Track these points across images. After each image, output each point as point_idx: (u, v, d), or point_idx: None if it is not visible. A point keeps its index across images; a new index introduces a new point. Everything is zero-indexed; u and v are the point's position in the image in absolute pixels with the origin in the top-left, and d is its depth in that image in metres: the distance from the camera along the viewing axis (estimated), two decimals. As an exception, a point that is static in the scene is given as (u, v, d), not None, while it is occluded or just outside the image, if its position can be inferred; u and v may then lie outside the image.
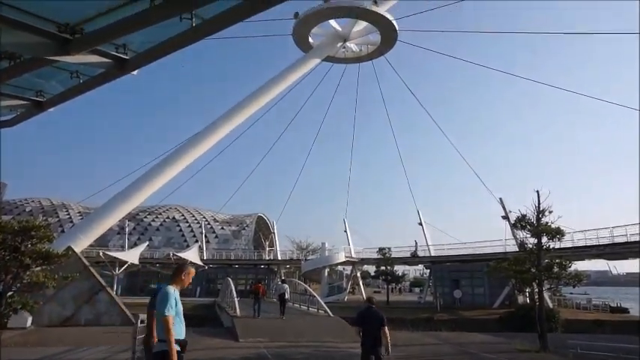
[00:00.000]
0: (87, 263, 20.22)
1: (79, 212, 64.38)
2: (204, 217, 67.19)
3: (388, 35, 33.70)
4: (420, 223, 48.93)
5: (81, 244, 20.75)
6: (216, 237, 65.04)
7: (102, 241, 49.08)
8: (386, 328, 7.54)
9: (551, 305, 31.98)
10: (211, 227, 65.97)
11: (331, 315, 21.12)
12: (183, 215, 67.65)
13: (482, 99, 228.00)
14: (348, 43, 36.30)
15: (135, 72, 7.29)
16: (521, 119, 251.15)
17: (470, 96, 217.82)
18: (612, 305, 42.13)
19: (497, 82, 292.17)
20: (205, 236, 61.29)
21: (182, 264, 5.00)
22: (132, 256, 45.79)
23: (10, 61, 6.39)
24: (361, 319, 7.85)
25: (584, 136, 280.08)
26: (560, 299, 38.02)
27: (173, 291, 4.50)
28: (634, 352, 7.00)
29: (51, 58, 6.03)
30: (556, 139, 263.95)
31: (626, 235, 31.51)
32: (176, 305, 4.44)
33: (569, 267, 15.49)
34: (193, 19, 5.77)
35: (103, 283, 20.09)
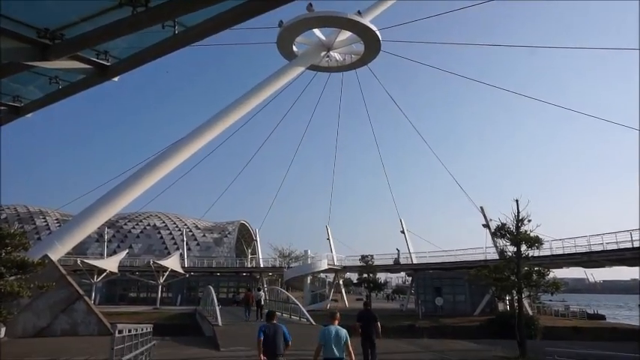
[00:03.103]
0: (64, 272, 19.74)
1: (57, 219, 62.93)
2: (185, 224, 66.39)
3: (372, 45, 34.03)
4: (403, 231, 49.22)
5: (58, 252, 20.24)
6: (198, 244, 64.27)
7: (80, 249, 48.02)
8: (378, 323, 11.09)
9: (530, 312, 32.38)
10: (193, 234, 65.18)
11: (314, 323, 21.02)
12: (164, 222, 66.72)
13: (467, 109, 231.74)
14: (332, 52, 36.53)
15: (116, 78, 7.22)
16: (501, 128, 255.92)
17: (455, 105, 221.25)
18: (589, 312, 42.96)
19: (483, 93, 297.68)
20: (187, 243, 60.49)
21: (336, 312, 7.86)
22: (111, 264, 44.84)
23: (-13, 66, 6.26)
24: (361, 317, 11.21)
25: (565, 146, 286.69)
26: (539, 306, 38.54)
27: (334, 327, 7.27)
28: (608, 359, 7.19)
29: (29, 63, 5.94)
30: (537, 149, 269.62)
31: (603, 243, 32.23)
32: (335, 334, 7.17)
33: (548, 275, 15.76)
34: (176, 27, 5.75)
35: (81, 292, 19.62)
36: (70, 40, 5.61)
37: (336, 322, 7.48)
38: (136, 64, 6.80)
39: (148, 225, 65.56)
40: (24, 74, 6.73)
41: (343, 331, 7.23)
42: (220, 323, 19.90)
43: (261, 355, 7.22)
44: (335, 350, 7.06)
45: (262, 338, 7.24)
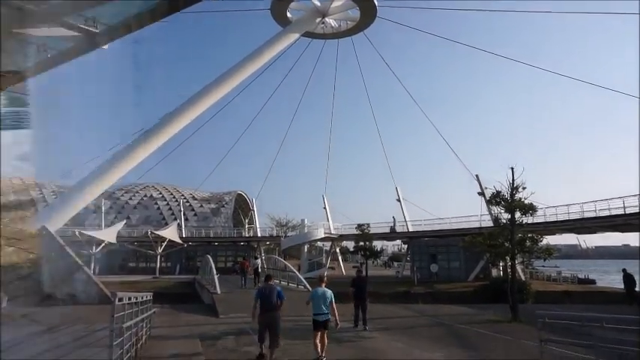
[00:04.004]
0: (62, 242, 19.90)
1: (53, 191, 62.81)
2: (182, 195, 66.49)
3: (367, 11, 33.32)
4: (399, 200, 49.57)
5: (55, 224, 20.36)
6: (195, 215, 64.59)
7: (78, 220, 48.06)
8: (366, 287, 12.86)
9: (523, 278, 33.06)
10: (190, 205, 65.40)
11: (311, 290, 21.41)
12: (161, 193, 66.76)
13: (462, 75, 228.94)
14: (327, 19, 35.75)
15: (106, 46, 7.06)
16: (498, 95, 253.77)
17: (450, 72, 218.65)
18: (581, 277, 43.99)
19: (478, 59, 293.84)
20: (184, 214, 60.76)
21: (324, 275, 9.72)
22: (109, 234, 45.16)
23: (-28, 34, 6.09)
24: (353, 283, 12.80)
25: (559, 114, 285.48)
26: (532, 272, 39.35)
27: (322, 289, 8.89)
28: (596, 320, 7.41)
29: (16, 30, 5.78)
30: (533, 117, 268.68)
31: (595, 210, 32.63)
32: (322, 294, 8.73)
33: (541, 241, 16.00)
34: (166, -8, 5.59)
35: (80, 262, 19.84)
36: (55, 5, 5.44)
37: (324, 284, 8.89)
38: (126, 32, 6.63)
39: (145, 196, 65.59)
40: (11, 42, 6.55)
41: (329, 292, 8.67)
42: (219, 291, 20.24)
43: (253, 317, 8.57)
44: (321, 307, 8.53)
45: (258, 300, 8.48)
